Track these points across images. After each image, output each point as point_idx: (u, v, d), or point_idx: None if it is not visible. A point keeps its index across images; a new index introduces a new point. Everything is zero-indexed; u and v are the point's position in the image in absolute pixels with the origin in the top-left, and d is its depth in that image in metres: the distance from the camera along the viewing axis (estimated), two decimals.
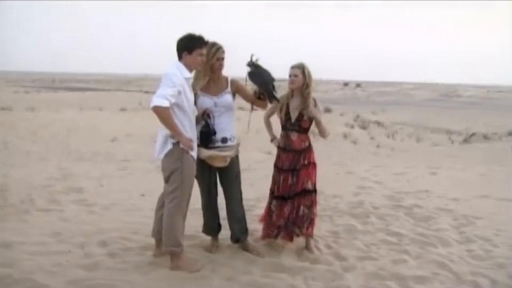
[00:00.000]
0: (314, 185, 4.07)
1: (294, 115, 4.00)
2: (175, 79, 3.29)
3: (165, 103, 3.19)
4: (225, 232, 4.09)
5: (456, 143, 19.27)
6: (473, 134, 20.64)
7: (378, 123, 26.03)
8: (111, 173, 7.45)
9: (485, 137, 20.24)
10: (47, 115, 16.50)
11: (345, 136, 17.25)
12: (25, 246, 3.81)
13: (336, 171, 8.57)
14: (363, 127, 23.21)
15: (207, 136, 3.63)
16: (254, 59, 3.82)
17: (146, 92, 45.92)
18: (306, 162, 4.03)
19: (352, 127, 21.68)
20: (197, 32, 3.44)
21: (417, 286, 3.39)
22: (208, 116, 3.65)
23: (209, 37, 3.53)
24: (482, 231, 4.77)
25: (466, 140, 19.42)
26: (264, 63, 3.84)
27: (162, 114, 3.21)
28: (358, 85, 70.58)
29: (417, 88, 68.51)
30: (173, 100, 3.24)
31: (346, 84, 69.29)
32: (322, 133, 4.08)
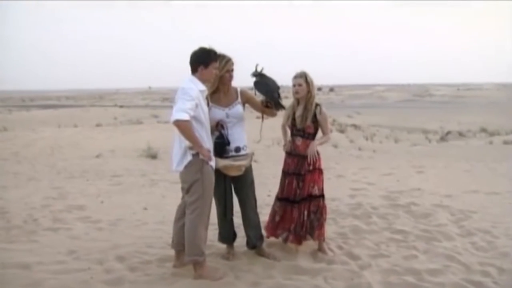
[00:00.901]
0: (322, 190, 4.20)
1: (299, 122, 4.13)
2: (192, 93, 3.38)
3: (186, 117, 3.28)
4: (239, 239, 4.19)
5: (434, 142, 19.84)
6: (448, 132, 21.33)
7: (355, 126, 26.56)
8: (106, 189, 7.43)
9: (461, 135, 20.92)
10: (26, 135, 16.21)
11: None
12: (43, 266, 3.79)
13: (326, 176, 8.73)
14: (341, 131, 23.65)
15: (221, 147, 3.74)
16: (259, 69, 3.91)
17: (121, 106, 45.57)
18: (311, 167, 4.15)
19: (331, 131, 21.99)
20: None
21: (432, 279, 3.55)
22: (222, 127, 3.76)
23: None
24: (479, 224, 5.01)
25: (442, 139, 20.07)
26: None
27: (184, 127, 3.30)
28: (331, 89, 71.65)
29: (389, 90, 70.06)
30: (192, 113, 3.33)
31: (319, 89, 70.17)
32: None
